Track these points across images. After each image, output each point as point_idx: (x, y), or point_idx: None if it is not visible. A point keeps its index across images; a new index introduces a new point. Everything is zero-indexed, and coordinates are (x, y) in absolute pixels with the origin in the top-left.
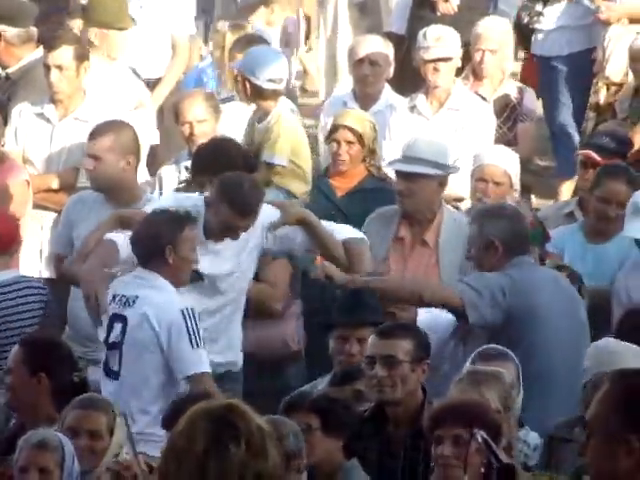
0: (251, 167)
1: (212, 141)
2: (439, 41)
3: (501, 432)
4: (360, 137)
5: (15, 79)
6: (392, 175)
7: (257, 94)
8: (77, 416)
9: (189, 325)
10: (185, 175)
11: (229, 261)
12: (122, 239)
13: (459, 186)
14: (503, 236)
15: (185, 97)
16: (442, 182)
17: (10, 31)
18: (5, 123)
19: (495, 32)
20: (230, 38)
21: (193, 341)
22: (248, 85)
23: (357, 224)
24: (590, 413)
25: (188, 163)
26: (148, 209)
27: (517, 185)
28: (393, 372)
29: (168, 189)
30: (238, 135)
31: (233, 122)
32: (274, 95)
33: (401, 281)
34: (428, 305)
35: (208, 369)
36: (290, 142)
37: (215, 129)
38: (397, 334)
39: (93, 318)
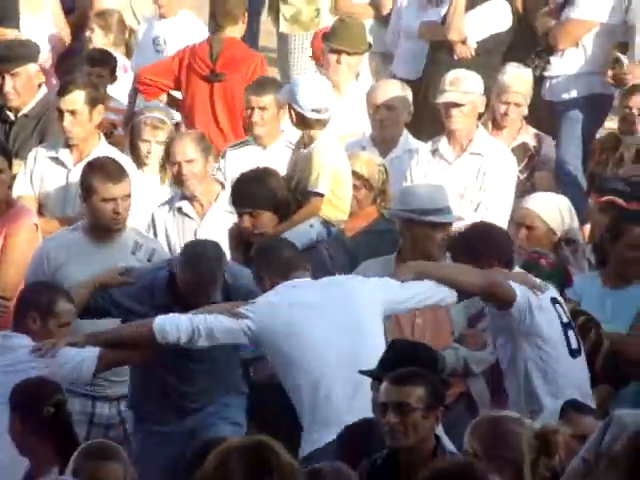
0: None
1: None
2: (453, 85)
3: None
4: (367, 181)
5: (34, 115)
6: None
7: (302, 122)
8: (94, 469)
9: None
10: (178, 217)
11: None
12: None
13: None
14: None
15: (175, 138)
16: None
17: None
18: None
19: (522, 83)
20: None
21: None
22: (293, 113)
23: None
24: None
25: (181, 204)
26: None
27: (563, 231)
28: (405, 419)
29: (161, 231)
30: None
31: (245, 167)
32: (318, 124)
33: None
34: None
35: None
36: (332, 172)
37: (205, 169)
38: (410, 380)
39: None
